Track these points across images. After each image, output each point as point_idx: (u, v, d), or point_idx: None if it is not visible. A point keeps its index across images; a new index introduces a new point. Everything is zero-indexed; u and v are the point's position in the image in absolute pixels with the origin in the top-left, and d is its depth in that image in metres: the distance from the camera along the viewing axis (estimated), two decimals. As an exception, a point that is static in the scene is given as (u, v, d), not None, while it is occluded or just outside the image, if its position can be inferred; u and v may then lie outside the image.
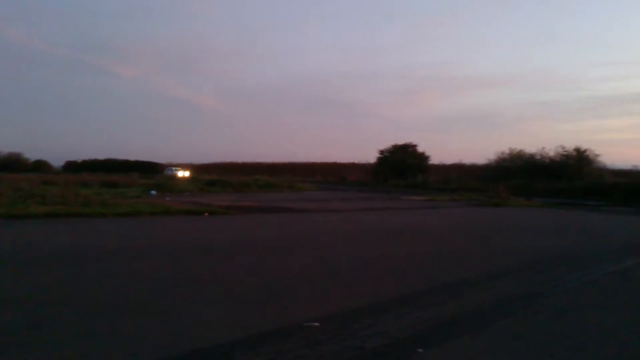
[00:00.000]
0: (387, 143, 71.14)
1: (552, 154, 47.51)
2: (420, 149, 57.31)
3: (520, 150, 49.59)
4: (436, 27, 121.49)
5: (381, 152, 58.13)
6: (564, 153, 46.49)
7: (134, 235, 13.31)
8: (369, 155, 70.44)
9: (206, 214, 18.60)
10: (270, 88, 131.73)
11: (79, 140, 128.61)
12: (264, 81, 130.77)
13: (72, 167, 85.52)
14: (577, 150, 46.02)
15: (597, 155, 45.86)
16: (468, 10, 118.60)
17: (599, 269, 9.41)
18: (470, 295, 7.30)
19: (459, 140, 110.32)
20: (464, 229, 16.83)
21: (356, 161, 69.90)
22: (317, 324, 5.64)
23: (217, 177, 45.85)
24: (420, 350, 4.90)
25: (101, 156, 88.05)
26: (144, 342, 5.03)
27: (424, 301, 6.83)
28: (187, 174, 57.91)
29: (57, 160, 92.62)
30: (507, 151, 50.23)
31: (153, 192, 29.30)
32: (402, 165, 54.67)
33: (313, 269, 9.05)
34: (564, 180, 41.05)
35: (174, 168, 64.86)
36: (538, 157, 48.08)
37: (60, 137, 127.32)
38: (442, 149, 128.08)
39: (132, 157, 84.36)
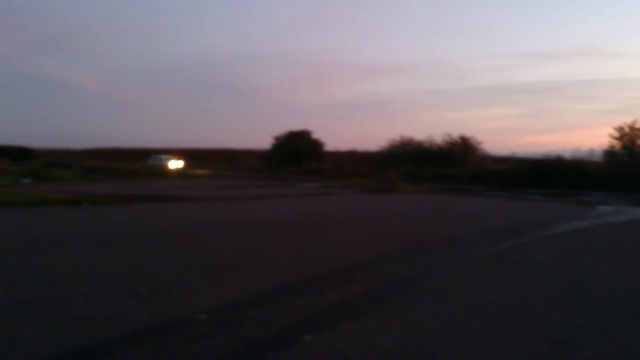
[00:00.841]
0: (282, 129, 71.13)
1: (439, 141, 50.39)
2: (315, 135, 58.02)
3: (411, 138, 52.03)
4: (333, 13, 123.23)
5: (276, 138, 58.05)
6: (450, 141, 49.51)
7: (5, 229, 12.16)
8: (264, 141, 70.46)
9: (87, 204, 17.37)
10: (158, 70, 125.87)
11: None
12: (150, 63, 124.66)
13: None
14: (462, 138, 49.20)
15: (480, 143, 49.37)
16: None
17: (478, 252, 10.09)
18: (358, 279, 7.48)
19: (354, 127, 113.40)
20: (355, 214, 17.32)
21: (251, 147, 69.40)
22: (204, 316, 5.47)
23: (100, 163, 42.78)
24: (308, 337, 4.93)
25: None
26: (15, 343, 4.58)
27: (313, 288, 6.90)
28: (180, 163, 48.05)
29: None
30: (398, 138, 52.45)
31: (27, 180, 26.88)
32: (297, 151, 55.00)
33: (202, 260, 8.79)
34: (450, 167, 43.73)
35: (163, 156, 50.00)
36: (427, 144, 50.73)
37: None
38: (337, 136, 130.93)
39: (1, 142, 76.26)
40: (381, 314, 5.81)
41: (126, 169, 37.75)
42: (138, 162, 47.74)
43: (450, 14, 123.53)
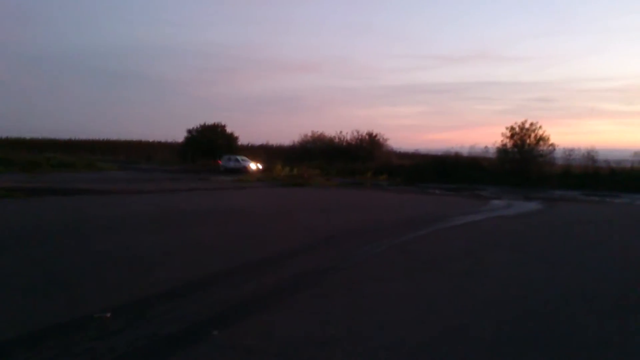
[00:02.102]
0: (196, 122, 69.55)
1: (348, 137, 51.77)
2: (229, 129, 57.38)
3: (322, 133, 52.99)
4: (248, 7, 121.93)
5: (189, 131, 56.72)
6: (359, 137, 51.04)
7: None
8: (178, 134, 68.40)
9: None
10: (65, 58, 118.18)
11: None
12: (58, 51, 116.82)
13: None
14: (370, 134, 50.97)
15: (386, 139, 51.41)
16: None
17: (382, 244, 10.61)
18: (269, 272, 7.66)
19: (267, 121, 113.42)
20: (268, 208, 17.47)
21: (164, 140, 67.25)
22: (108, 314, 5.40)
23: (1, 154, 39.41)
24: (216, 332, 5.03)
25: None
26: None
27: (224, 282, 6.99)
28: (259, 166, 42.77)
29: None
30: (310, 134, 53.20)
31: None
32: (211, 145, 54.12)
33: (109, 256, 8.56)
34: (359, 162, 45.11)
35: (239, 157, 43.82)
36: (337, 140, 51.95)
37: None
38: (251, 130, 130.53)
39: None
40: (290, 307, 6.03)
41: (30, 160, 35.17)
42: (42, 153, 44.45)
43: (358, 14, 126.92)
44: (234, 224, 13.06)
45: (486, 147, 42.74)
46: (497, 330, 5.47)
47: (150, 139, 70.91)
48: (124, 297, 6.10)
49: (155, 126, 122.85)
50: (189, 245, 9.75)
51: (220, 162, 43.67)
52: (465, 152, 44.52)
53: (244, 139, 61.28)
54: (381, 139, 51.28)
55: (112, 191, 20.38)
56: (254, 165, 42.16)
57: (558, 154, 39.62)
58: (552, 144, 38.75)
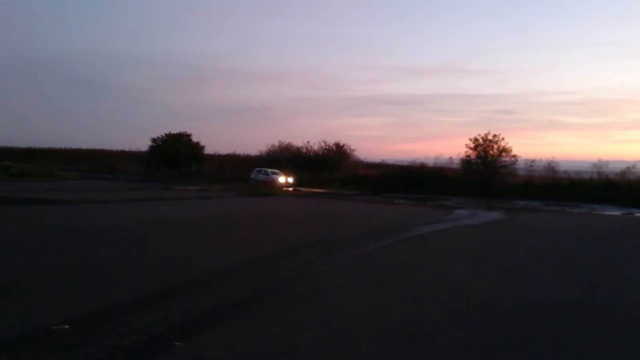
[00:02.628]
0: (161, 131, 68.50)
1: (315, 147, 51.88)
2: (195, 138, 56.84)
3: (289, 143, 52.94)
4: (216, 18, 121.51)
5: (154, 140, 55.92)
6: (326, 147, 51.21)
7: None
8: (142, 143, 67.23)
9: None
10: (24, 65, 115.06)
11: None
12: (17, 57, 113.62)
13: None
14: (337, 145, 51.19)
15: (353, 150, 51.76)
16: (246, 5, 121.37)
17: (346, 254, 10.67)
18: (230, 284, 7.59)
19: (234, 131, 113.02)
20: (232, 218, 17.34)
21: (127, 149, 66.03)
22: (66, 326, 5.26)
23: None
24: (177, 343, 4.96)
25: None
26: None
27: (184, 294, 6.90)
28: (290, 179, 40.41)
29: None
30: (277, 143, 53.10)
31: None
32: (176, 154, 53.51)
33: (66, 268, 8.34)
34: (326, 172, 45.27)
35: (269, 170, 41.50)
36: (304, 150, 51.99)
37: None
38: (217, 139, 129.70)
39: None
40: (251, 318, 5.98)
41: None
42: (0, 162, 42.95)
43: (324, 26, 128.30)
44: (197, 234, 12.91)
45: (450, 158, 43.60)
46: (460, 338, 5.56)
47: (114, 148, 69.60)
48: (83, 309, 5.95)
49: (119, 135, 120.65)
50: (148, 256, 9.58)
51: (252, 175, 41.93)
52: (430, 162, 45.27)
53: (210, 148, 60.82)
54: (348, 149, 51.61)
55: (70, 201, 19.86)
56: (282, 179, 40.00)
57: (520, 165, 40.71)
58: (514, 155, 39.81)
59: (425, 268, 9.60)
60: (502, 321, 6.27)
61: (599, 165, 39.57)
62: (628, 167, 38.62)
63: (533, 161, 40.80)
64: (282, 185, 38.90)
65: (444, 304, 6.96)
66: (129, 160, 59.27)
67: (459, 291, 7.77)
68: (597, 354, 5.28)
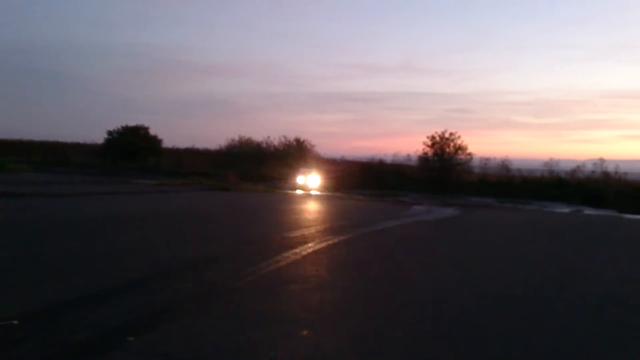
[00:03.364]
0: (117, 123, 66.61)
1: (276, 142, 51.75)
2: (153, 131, 55.63)
3: (249, 138, 52.59)
4: (174, 9, 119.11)
5: (110, 132, 54.46)
6: (286, 143, 51.15)
7: None
8: (97, 135, 65.32)
9: None
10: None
11: None
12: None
13: None
14: (297, 140, 51.16)
15: (313, 146, 51.81)
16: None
17: (307, 247, 10.73)
18: (186, 279, 7.53)
19: (193, 125, 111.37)
20: (190, 213, 17.16)
21: (82, 141, 64.03)
22: (15, 321, 5.13)
23: None
24: (132, 338, 4.92)
25: None
26: None
27: (140, 289, 6.82)
28: (316, 181, 35.26)
29: None
30: (237, 138, 52.66)
31: None
32: (132, 147, 52.27)
33: (18, 262, 8.10)
34: (286, 167, 45.17)
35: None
36: (264, 145, 51.78)
37: None
38: (176, 133, 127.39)
39: None
40: (209, 312, 5.98)
41: None
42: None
43: (286, 22, 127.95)
44: (151, 229, 12.73)
45: (409, 155, 44.36)
46: (414, 331, 5.73)
47: (69, 140, 67.35)
48: (33, 303, 5.82)
49: (73, 127, 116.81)
50: (103, 251, 9.39)
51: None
52: (389, 159, 45.94)
53: (168, 142, 59.64)
54: (309, 145, 51.62)
55: (25, 194, 19.18)
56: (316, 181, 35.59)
57: (475, 162, 41.85)
58: (469, 153, 40.86)
59: (380, 263, 9.79)
60: (454, 314, 6.48)
61: (550, 164, 41.10)
62: (578, 166, 40.21)
63: (488, 159, 42.02)
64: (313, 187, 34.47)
65: (399, 298, 7.14)
66: (84, 153, 57.53)
67: (413, 286, 7.99)
68: (550, 341, 5.54)
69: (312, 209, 20.97)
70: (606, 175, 38.28)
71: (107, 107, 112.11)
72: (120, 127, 54.33)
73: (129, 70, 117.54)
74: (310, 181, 37.08)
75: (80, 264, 8.17)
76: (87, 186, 25.27)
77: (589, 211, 27.73)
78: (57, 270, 7.69)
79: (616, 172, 38.79)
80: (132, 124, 54.66)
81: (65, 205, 17.02)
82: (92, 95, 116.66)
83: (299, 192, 31.63)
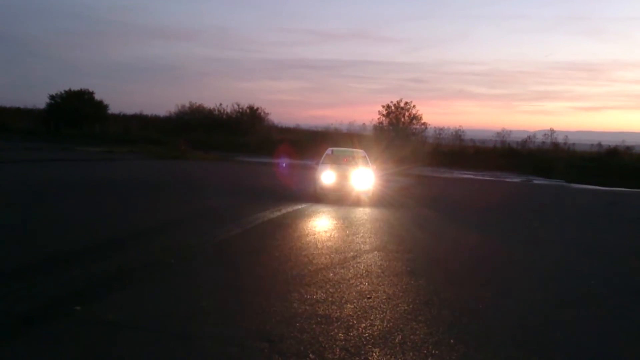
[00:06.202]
0: (60, 88, 63.57)
1: (229, 110, 50.84)
2: (98, 96, 53.40)
3: (200, 105, 51.38)
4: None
5: (52, 97, 51.91)
6: (239, 110, 50.34)
7: None
8: (39, 100, 61.98)
9: None
10: None
11: None
12: None
13: None
14: (250, 108, 50.43)
15: (267, 114, 51.23)
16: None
17: (262, 216, 10.69)
18: (135, 247, 7.38)
19: (141, 90, 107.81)
20: (139, 181, 16.74)
21: (22, 106, 60.77)
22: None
23: None
24: (78, 307, 4.79)
25: None
26: None
27: (87, 258, 6.62)
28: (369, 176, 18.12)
29: None
30: (187, 105, 51.35)
31: None
32: (77, 113, 50.09)
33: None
34: (239, 136, 44.57)
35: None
36: (216, 112, 50.76)
37: None
38: (123, 99, 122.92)
39: None
40: (154, 281, 5.87)
41: None
42: None
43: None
44: (99, 198, 12.36)
45: (364, 124, 44.58)
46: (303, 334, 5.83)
47: (7, 105, 63.80)
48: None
49: (13, 91, 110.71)
50: (47, 219, 9.07)
51: None
52: (344, 128, 45.99)
53: (115, 107, 57.47)
54: (262, 113, 50.95)
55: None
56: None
57: (429, 132, 42.54)
58: (424, 123, 41.51)
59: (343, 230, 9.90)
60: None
61: (502, 135, 42.28)
62: (529, 137, 41.59)
63: (442, 129, 42.82)
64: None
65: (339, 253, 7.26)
66: (25, 119, 54.73)
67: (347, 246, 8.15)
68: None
69: (264, 178, 20.86)
70: (556, 145, 39.76)
71: (49, 70, 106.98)
72: (63, 92, 51.87)
73: (73, 33, 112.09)
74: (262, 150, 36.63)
75: (20, 232, 7.86)
76: (29, 153, 24.16)
77: (538, 181, 28.75)
78: (-2, 239, 7.36)
79: (565, 143, 40.36)
80: (76, 88, 52.29)
81: (5, 172, 16.24)
82: (32, 57, 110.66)
83: (253, 160, 31.32)
